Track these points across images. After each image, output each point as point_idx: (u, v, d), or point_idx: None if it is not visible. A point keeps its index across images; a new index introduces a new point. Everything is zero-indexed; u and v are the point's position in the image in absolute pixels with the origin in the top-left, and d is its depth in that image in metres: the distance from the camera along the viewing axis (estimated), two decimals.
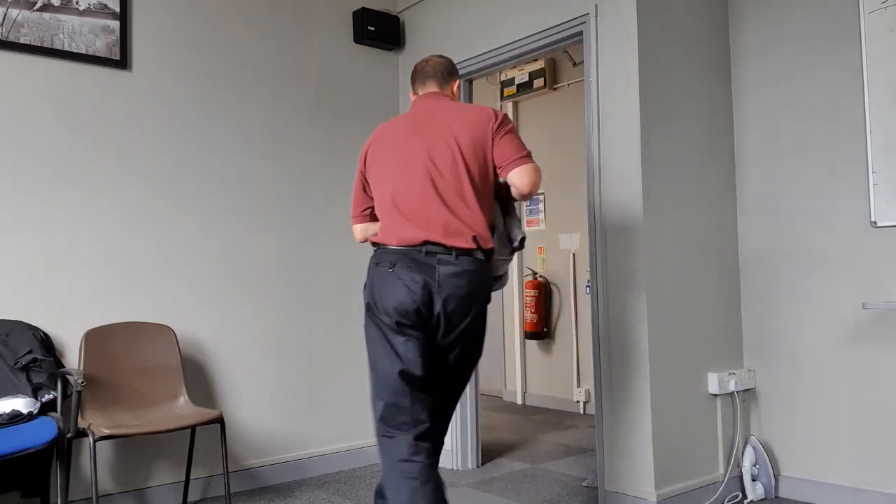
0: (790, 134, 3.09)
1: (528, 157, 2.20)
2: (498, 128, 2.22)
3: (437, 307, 2.12)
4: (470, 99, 3.82)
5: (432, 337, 2.16)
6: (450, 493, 3.24)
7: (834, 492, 2.90)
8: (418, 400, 2.14)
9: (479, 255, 2.17)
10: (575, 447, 4.09)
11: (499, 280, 2.43)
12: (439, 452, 2.20)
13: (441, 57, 2.49)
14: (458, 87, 2.51)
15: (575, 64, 5.27)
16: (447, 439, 3.66)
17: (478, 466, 3.71)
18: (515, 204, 2.42)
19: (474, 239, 2.15)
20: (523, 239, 2.44)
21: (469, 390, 3.69)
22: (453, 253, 2.13)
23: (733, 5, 3.31)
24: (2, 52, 2.86)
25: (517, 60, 3.52)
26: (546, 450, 4.02)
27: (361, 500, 3.16)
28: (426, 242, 2.15)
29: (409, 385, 2.12)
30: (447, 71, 2.44)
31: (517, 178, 2.17)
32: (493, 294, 2.54)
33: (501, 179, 2.29)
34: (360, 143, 3.92)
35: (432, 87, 2.41)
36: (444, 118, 2.26)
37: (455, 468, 3.66)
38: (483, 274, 2.19)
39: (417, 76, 2.46)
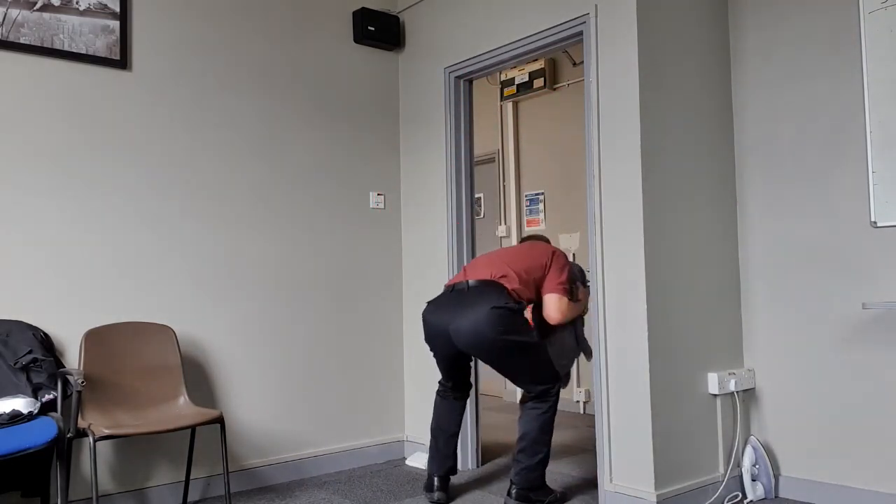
0: (790, 134, 3.09)
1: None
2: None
3: None
4: (470, 99, 3.82)
5: None
6: (450, 493, 3.24)
7: (834, 492, 2.91)
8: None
9: (491, 285, 2.97)
10: (575, 447, 4.09)
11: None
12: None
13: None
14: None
15: (575, 64, 5.27)
16: None
17: (478, 466, 3.71)
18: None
19: (493, 275, 3.03)
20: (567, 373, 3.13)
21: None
22: (466, 284, 3.05)
23: (733, 5, 3.31)
24: (2, 52, 2.86)
25: (517, 60, 3.52)
26: None
27: (361, 500, 3.16)
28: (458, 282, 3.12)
29: None
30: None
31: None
32: None
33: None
34: (360, 143, 3.92)
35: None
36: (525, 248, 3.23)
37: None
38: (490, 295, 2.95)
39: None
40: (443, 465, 3.13)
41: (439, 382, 3.23)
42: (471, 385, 3.26)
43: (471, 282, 2.99)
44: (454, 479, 3.46)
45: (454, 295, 3.01)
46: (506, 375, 3.01)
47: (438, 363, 3.15)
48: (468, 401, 3.68)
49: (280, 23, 3.66)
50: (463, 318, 2.89)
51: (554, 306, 2.99)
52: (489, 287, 2.94)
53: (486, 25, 3.58)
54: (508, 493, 2.95)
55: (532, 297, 3.02)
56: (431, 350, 3.11)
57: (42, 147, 2.94)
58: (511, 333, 2.85)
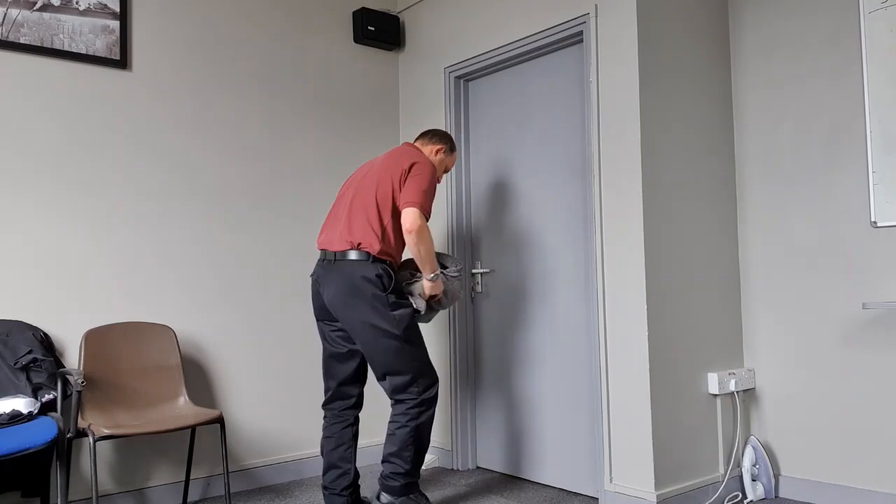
0: (790, 134, 3.10)
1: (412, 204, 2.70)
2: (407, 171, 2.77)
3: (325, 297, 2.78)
4: (467, 99, 3.82)
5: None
6: (450, 494, 3.24)
7: (834, 492, 2.91)
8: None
9: (353, 256, 2.72)
10: None
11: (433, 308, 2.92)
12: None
13: (443, 132, 3.07)
14: (438, 153, 3.02)
15: None
16: (447, 439, 3.69)
17: (478, 467, 3.71)
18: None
19: (352, 243, 2.72)
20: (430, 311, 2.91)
21: (468, 389, 3.69)
22: (334, 255, 2.76)
23: (733, 5, 3.31)
24: (2, 52, 2.86)
25: (517, 60, 3.52)
26: None
27: None
28: (324, 250, 2.82)
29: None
30: (434, 137, 3.03)
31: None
32: None
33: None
34: (359, 144, 3.92)
35: (416, 141, 3.04)
36: (388, 157, 2.84)
37: (455, 468, 3.66)
38: (354, 269, 2.71)
39: (420, 134, 3.07)
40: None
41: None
42: (357, 394, 2.92)
43: (335, 255, 2.75)
44: (453, 480, 3.46)
45: (325, 268, 2.78)
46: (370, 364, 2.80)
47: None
48: (467, 401, 3.69)
49: (280, 23, 3.66)
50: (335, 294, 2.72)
51: (409, 219, 2.67)
52: (350, 268, 2.71)
53: (486, 25, 3.58)
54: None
55: (399, 244, 2.79)
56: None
57: (42, 147, 2.94)
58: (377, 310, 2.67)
